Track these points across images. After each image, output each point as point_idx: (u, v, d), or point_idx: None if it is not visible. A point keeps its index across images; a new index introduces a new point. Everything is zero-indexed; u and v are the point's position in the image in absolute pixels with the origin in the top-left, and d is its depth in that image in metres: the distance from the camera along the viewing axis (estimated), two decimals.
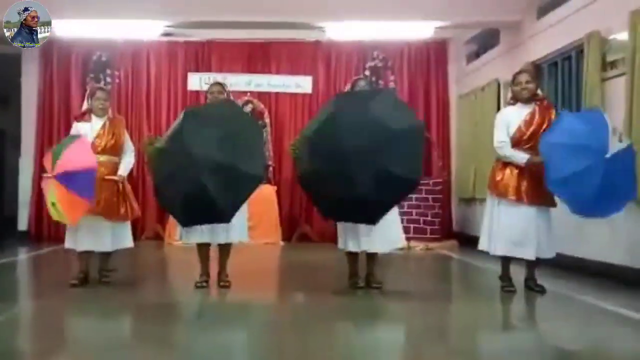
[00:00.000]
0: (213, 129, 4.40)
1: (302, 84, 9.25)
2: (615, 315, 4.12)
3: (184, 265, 6.30)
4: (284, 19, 7.52)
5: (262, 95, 9.21)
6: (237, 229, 4.85)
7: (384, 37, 8.70)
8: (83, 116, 5.12)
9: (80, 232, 4.89)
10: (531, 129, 4.64)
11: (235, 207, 4.46)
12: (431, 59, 9.37)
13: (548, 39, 6.71)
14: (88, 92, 5.31)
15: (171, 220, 7.74)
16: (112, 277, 5.16)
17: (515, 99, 4.80)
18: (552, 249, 4.72)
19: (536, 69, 6.95)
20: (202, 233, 4.80)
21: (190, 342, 3.45)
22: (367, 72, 9.18)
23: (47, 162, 4.70)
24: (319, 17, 7.60)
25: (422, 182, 8.17)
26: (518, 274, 4.95)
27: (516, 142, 4.68)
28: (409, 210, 8.12)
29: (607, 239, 5.42)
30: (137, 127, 9.12)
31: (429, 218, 8.28)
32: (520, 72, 4.85)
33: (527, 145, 4.64)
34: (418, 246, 8.05)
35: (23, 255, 7.61)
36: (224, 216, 4.46)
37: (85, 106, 5.18)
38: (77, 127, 5.03)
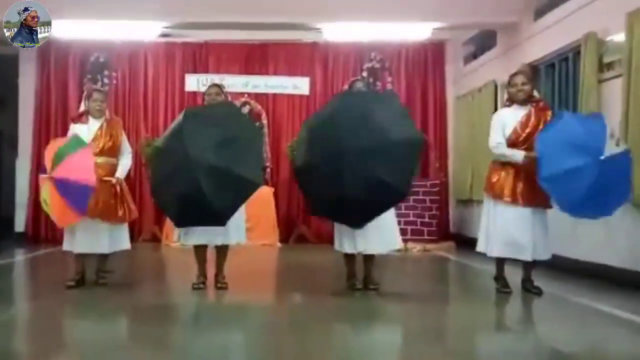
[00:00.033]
0: (213, 132, 4.39)
1: (299, 85, 9.26)
2: (611, 317, 4.13)
3: (181, 267, 6.29)
4: (282, 20, 7.53)
5: (259, 97, 9.21)
6: (234, 231, 4.85)
7: (381, 38, 8.71)
8: (80, 117, 5.11)
9: (78, 234, 4.88)
10: (527, 131, 4.65)
11: (231, 211, 4.46)
12: (428, 60, 9.38)
13: (545, 40, 6.73)
14: (85, 93, 5.31)
15: (168, 222, 7.74)
16: (109, 279, 5.15)
17: (511, 101, 4.81)
18: (547, 251, 4.73)
19: (533, 71, 6.97)
20: (199, 235, 4.80)
21: (188, 344, 3.44)
22: (365, 74, 9.18)
23: (48, 159, 4.66)
24: (316, 18, 7.61)
25: (419, 183, 8.25)
26: (515, 276, 4.96)
27: (512, 144, 4.69)
28: (407, 211, 8.13)
29: (602, 240, 5.43)
30: (135, 128, 9.12)
31: (426, 219, 8.30)
32: (516, 74, 4.86)
33: (523, 147, 4.65)
34: (415, 247, 8.06)
35: (20, 257, 7.60)
36: (219, 219, 4.46)
37: (82, 107, 5.18)
38: (74, 129, 5.02)
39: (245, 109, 8.77)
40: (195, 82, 9.19)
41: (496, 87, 7.75)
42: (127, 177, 5.37)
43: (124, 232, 5.12)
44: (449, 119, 9.36)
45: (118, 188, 4.99)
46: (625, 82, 5.11)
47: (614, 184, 4.35)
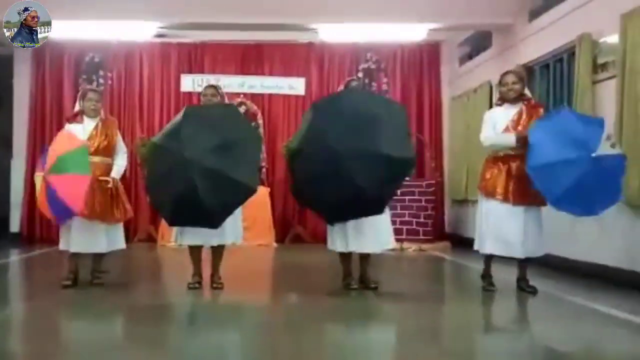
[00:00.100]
0: (212, 134, 4.38)
1: (295, 85, 9.27)
2: (607, 316, 4.15)
3: (176, 267, 6.29)
4: (278, 20, 7.53)
5: (255, 97, 9.21)
6: (230, 231, 4.85)
7: (377, 39, 8.73)
8: (75, 117, 5.11)
9: (74, 234, 4.88)
10: (519, 129, 4.67)
11: (225, 215, 4.46)
12: (424, 61, 9.40)
13: (540, 41, 6.75)
14: (80, 93, 5.30)
15: (164, 222, 7.72)
16: (104, 279, 5.15)
17: (503, 100, 4.84)
18: (540, 248, 4.74)
19: (528, 71, 7.00)
20: (195, 235, 4.80)
21: (183, 344, 3.45)
22: (360, 74, 9.20)
23: (52, 155, 4.64)
24: (312, 18, 7.61)
25: (415, 183, 8.27)
26: (510, 274, 4.98)
27: None
28: (402, 211, 8.15)
29: (598, 240, 5.46)
30: (130, 128, 9.10)
31: (421, 219, 8.31)
32: (506, 73, 4.88)
33: (517, 145, 4.66)
34: (411, 247, 8.08)
35: (15, 257, 7.57)
36: (213, 221, 4.46)
37: (77, 107, 5.17)
38: (70, 128, 5.01)
39: (241, 109, 8.76)
40: (190, 83, 9.18)
41: (491, 87, 7.77)
42: (123, 177, 5.37)
43: (119, 231, 5.13)
44: (444, 120, 9.39)
45: (114, 189, 4.99)
46: (619, 83, 5.14)
47: (602, 185, 4.35)
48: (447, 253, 7.95)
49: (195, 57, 9.35)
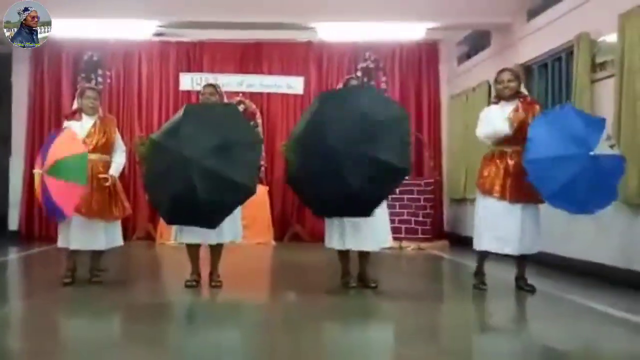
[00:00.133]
0: (212, 134, 4.36)
1: (293, 84, 9.27)
2: (604, 315, 4.16)
3: (175, 265, 6.29)
4: (276, 19, 7.53)
5: (254, 96, 9.21)
6: (228, 230, 4.85)
7: (375, 38, 8.73)
8: (73, 115, 5.12)
9: (73, 231, 4.89)
10: (516, 125, 4.67)
11: (223, 215, 4.46)
12: (423, 60, 9.41)
13: (538, 40, 6.76)
14: (78, 91, 5.31)
15: (163, 220, 7.73)
16: (103, 277, 5.15)
17: (499, 98, 4.85)
18: (536, 245, 4.73)
19: (527, 70, 7.01)
20: (194, 233, 4.80)
21: (182, 342, 3.45)
22: (359, 73, 9.20)
23: (50, 160, 4.63)
24: (311, 17, 7.61)
25: (413, 182, 8.28)
26: (508, 273, 4.99)
27: (503, 139, 4.71)
28: (401, 210, 8.16)
29: (595, 238, 5.47)
30: (129, 127, 9.10)
31: (420, 218, 8.32)
32: (502, 71, 4.89)
33: (515, 141, 4.67)
34: (409, 246, 8.09)
35: (13, 255, 7.57)
36: (211, 222, 4.46)
37: (75, 105, 5.18)
38: (68, 126, 5.01)
39: (240, 108, 8.77)
40: (189, 81, 9.18)
41: (490, 87, 7.72)
42: (122, 175, 5.38)
43: (118, 228, 5.14)
44: (443, 119, 9.40)
45: (112, 186, 4.99)
46: (618, 82, 5.15)
47: (599, 184, 4.35)
48: (445, 252, 7.96)
49: (194, 56, 9.34)
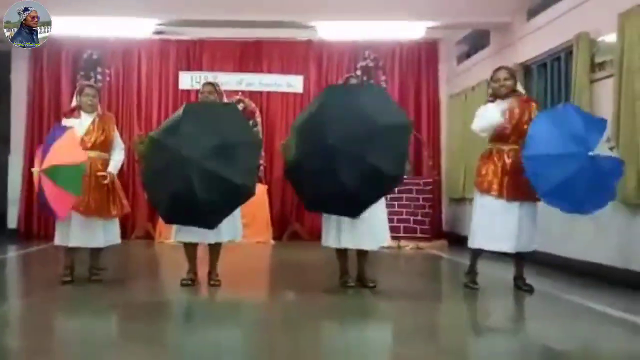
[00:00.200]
0: (212, 134, 4.35)
1: (293, 83, 9.27)
2: (602, 315, 4.17)
3: (174, 264, 6.29)
4: (276, 18, 7.53)
5: (253, 94, 9.22)
6: (227, 229, 4.84)
7: (375, 37, 8.73)
8: (72, 112, 5.12)
9: (73, 228, 4.89)
10: (513, 122, 4.68)
11: (221, 216, 4.46)
12: (422, 59, 9.41)
13: (537, 40, 6.76)
14: (77, 88, 5.31)
15: (161, 219, 7.73)
16: (102, 276, 5.15)
17: (495, 96, 4.85)
18: (532, 243, 4.73)
19: (526, 70, 7.01)
20: (193, 232, 4.79)
21: (181, 341, 3.45)
22: (359, 72, 9.20)
23: (48, 162, 4.62)
24: (310, 16, 7.61)
25: (412, 181, 8.28)
26: (507, 272, 4.99)
27: (500, 138, 4.72)
28: (399, 209, 8.16)
29: (593, 238, 5.47)
30: (128, 125, 9.10)
31: (419, 217, 8.33)
32: (499, 69, 4.90)
33: (512, 139, 4.68)
34: (408, 246, 8.10)
35: (12, 253, 7.57)
36: (209, 222, 4.46)
37: (74, 103, 5.18)
38: (67, 123, 5.01)
39: (239, 107, 8.77)
40: (189, 80, 9.18)
41: (489, 86, 7.78)
42: (121, 174, 5.38)
43: (116, 226, 5.15)
44: (442, 118, 9.40)
45: (110, 184, 4.99)
46: (617, 82, 5.15)
47: (595, 185, 4.35)
48: (444, 251, 7.96)
49: (194, 54, 9.34)
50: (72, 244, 4.94)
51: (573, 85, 5.82)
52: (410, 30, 8.14)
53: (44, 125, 8.96)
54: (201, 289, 4.89)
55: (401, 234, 8.12)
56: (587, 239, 5.55)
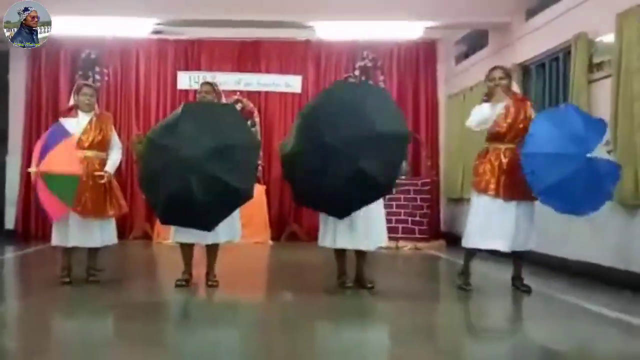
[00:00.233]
0: (210, 136, 4.34)
1: (291, 83, 9.27)
2: (599, 315, 4.17)
3: (172, 265, 6.28)
4: (275, 18, 7.53)
5: (251, 94, 9.21)
6: (224, 230, 4.83)
7: (373, 37, 8.73)
8: (69, 112, 5.12)
9: (70, 228, 4.89)
10: (508, 121, 4.68)
11: (218, 219, 4.45)
12: (420, 59, 9.41)
13: (536, 40, 6.77)
14: (74, 88, 5.30)
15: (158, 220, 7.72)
16: (99, 276, 5.15)
17: (490, 95, 4.85)
18: (529, 242, 4.72)
19: (524, 70, 7.01)
20: (190, 233, 4.78)
21: (179, 341, 3.45)
22: (357, 72, 9.19)
23: (45, 167, 4.62)
24: (309, 16, 7.61)
25: (410, 181, 8.29)
26: (505, 273, 4.99)
27: (496, 137, 4.72)
28: (398, 210, 8.16)
29: (591, 239, 5.48)
30: (126, 125, 9.09)
31: (417, 218, 8.33)
32: (494, 69, 4.90)
33: (508, 139, 4.68)
34: (406, 246, 8.10)
35: (10, 254, 7.56)
36: (206, 224, 4.45)
37: (71, 102, 5.18)
38: (64, 122, 5.00)
39: (237, 107, 8.76)
40: (187, 80, 9.17)
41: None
42: (119, 174, 5.38)
43: (112, 226, 5.14)
44: (440, 118, 9.40)
45: (107, 184, 4.98)
46: (615, 82, 5.16)
47: (591, 187, 4.35)
48: (442, 252, 7.96)
49: (192, 54, 9.33)
50: (71, 243, 4.93)
51: (571, 86, 5.82)
52: (409, 30, 8.15)
53: (42, 124, 8.92)
54: (199, 289, 4.89)
55: (399, 235, 8.12)
56: (584, 239, 5.56)
